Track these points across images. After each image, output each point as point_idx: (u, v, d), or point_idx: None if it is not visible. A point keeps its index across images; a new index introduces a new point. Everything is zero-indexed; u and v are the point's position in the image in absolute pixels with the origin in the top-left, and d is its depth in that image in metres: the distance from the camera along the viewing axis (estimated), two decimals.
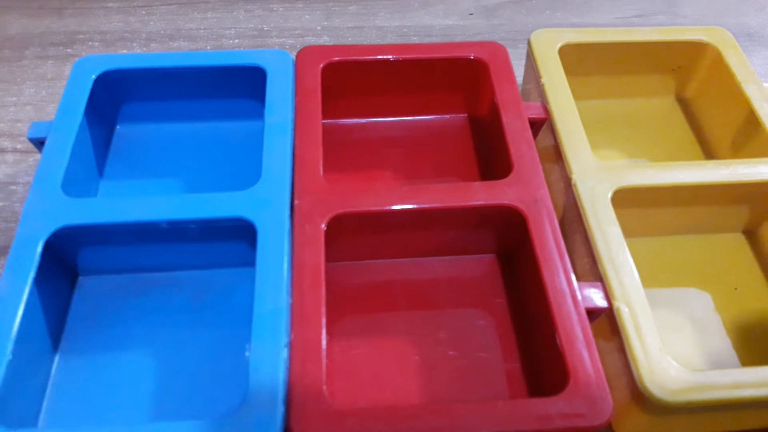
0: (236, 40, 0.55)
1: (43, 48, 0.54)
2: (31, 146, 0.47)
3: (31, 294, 0.32)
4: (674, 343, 0.37)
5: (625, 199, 0.37)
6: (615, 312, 0.33)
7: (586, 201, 0.37)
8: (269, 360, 0.30)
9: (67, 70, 0.53)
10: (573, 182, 0.38)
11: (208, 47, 0.55)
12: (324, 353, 0.30)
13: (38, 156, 0.47)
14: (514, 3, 0.60)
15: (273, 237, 0.34)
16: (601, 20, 0.58)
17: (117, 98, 0.44)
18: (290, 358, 0.30)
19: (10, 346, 0.30)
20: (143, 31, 0.56)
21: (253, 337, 0.30)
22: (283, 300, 0.32)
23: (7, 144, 0.48)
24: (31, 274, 0.32)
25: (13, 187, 0.45)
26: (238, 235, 0.36)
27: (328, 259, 0.34)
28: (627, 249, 0.35)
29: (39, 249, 0.33)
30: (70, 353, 0.35)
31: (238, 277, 0.38)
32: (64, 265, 0.37)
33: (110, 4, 0.58)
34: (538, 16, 0.59)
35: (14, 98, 0.51)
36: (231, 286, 0.38)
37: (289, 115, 0.39)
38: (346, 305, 0.37)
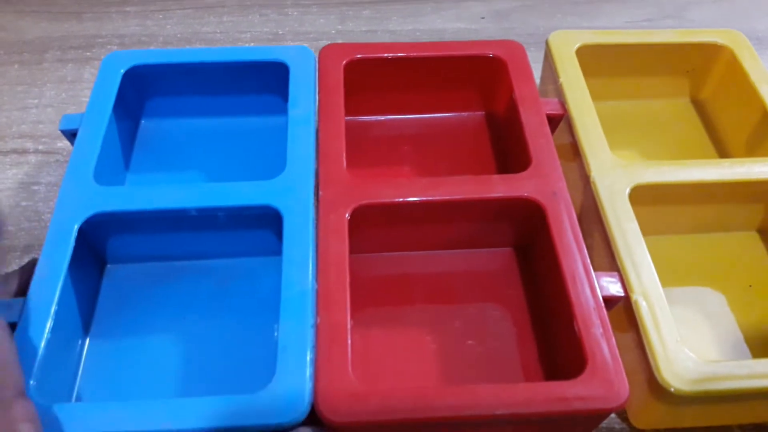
0: (252, 44, 0.56)
1: (62, 51, 0.55)
2: (53, 147, 0.48)
3: (65, 278, 0.32)
4: (689, 338, 0.38)
5: (643, 196, 0.38)
6: (633, 305, 0.33)
7: (604, 197, 0.37)
8: (297, 339, 0.30)
9: (87, 73, 0.54)
10: (592, 179, 0.38)
11: None
12: (349, 335, 0.31)
13: (60, 156, 0.48)
14: (526, 7, 0.61)
15: (298, 223, 0.34)
16: (611, 24, 0.59)
17: (143, 93, 0.44)
18: (317, 340, 0.31)
19: (49, 324, 0.31)
20: (160, 34, 0.57)
21: (281, 318, 0.31)
22: (309, 283, 0.32)
23: (29, 145, 0.48)
24: (67, 259, 0.33)
25: (36, 188, 0.46)
26: (264, 224, 0.36)
27: (351, 250, 0.34)
28: (644, 244, 0.35)
29: (74, 234, 0.34)
30: (100, 337, 0.36)
31: (263, 266, 0.38)
32: (94, 252, 0.38)
33: (128, 9, 0.59)
34: (548, 20, 0.59)
35: (35, 100, 0.51)
36: (257, 273, 0.38)
37: (312, 108, 0.40)
38: (367, 296, 0.38)
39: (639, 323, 0.33)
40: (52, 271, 0.32)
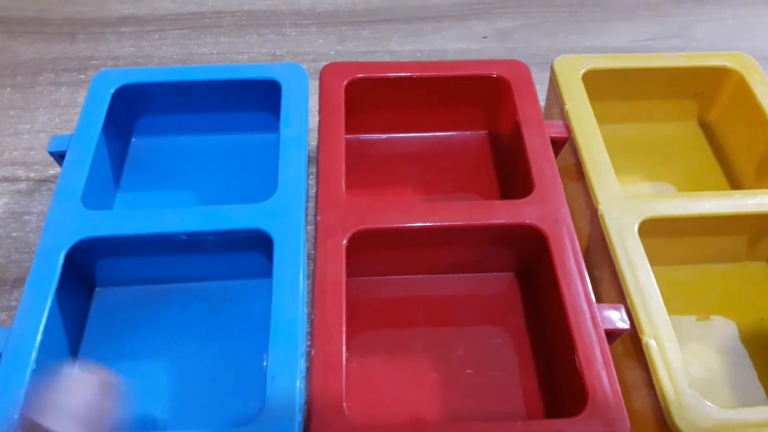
0: None
1: (56, 74, 0.54)
2: (45, 174, 0.47)
3: (52, 305, 0.32)
4: (700, 375, 0.37)
5: (652, 229, 0.37)
6: (644, 347, 0.32)
7: (613, 232, 0.36)
8: (287, 369, 0.30)
9: (81, 96, 0.53)
10: (600, 213, 0.37)
11: None
12: (344, 368, 0.30)
13: (52, 185, 0.47)
14: (528, 26, 0.60)
15: (289, 248, 0.34)
16: (616, 43, 0.58)
17: (134, 111, 0.44)
18: (311, 372, 0.30)
19: (34, 355, 0.30)
20: (155, 56, 0.56)
21: (270, 346, 0.30)
22: (300, 309, 0.32)
23: (21, 173, 0.47)
24: (53, 285, 0.32)
25: (27, 217, 0.45)
26: (254, 247, 0.36)
27: (349, 274, 0.34)
28: (655, 282, 0.34)
29: (60, 260, 0.33)
30: (88, 362, 0.34)
31: (254, 288, 0.38)
32: (82, 276, 0.37)
33: (123, 29, 0.58)
34: (552, 40, 0.59)
35: (28, 125, 0.50)
36: (248, 296, 0.38)
37: (304, 127, 0.39)
38: (366, 320, 0.37)
39: (650, 367, 0.32)
40: (38, 299, 0.32)
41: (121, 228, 0.34)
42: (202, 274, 0.38)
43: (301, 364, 0.30)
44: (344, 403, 0.29)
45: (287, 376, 0.29)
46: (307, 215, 0.44)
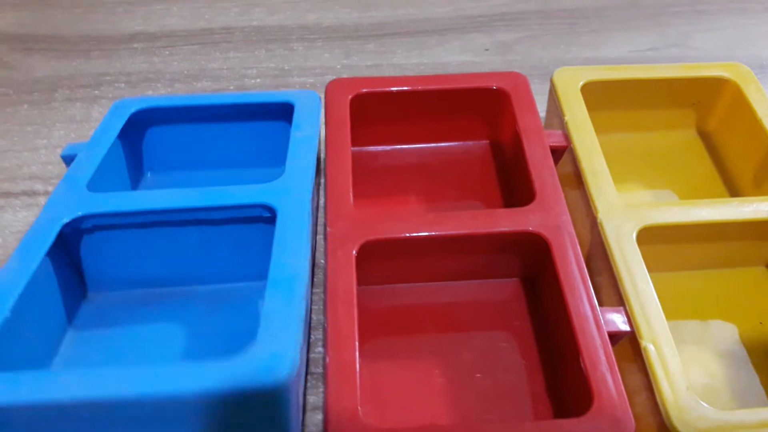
0: (258, 80, 0.57)
1: (71, 90, 0.56)
2: None
3: (34, 281, 0.31)
4: (700, 379, 0.37)
5: (650, 237, 0.38)
6: (642, 351, 0.33)
7: (612, 240, 0.37)
8: (285, 311, 0.30)
9: (95, 112, 0.54)
10: (599, 221, 0.38)
11: (231, 87, 0.56)
12: (358, 375, 0.31)
13: None
14: (529, 38, 0.61)
15: (294, 217, 0.34)
16: (615, 54, 0.60)
17: (149, 142, 0.44)
18: (327, 379, 0.31)
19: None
20: (167, 71, 0.58)
21: (267, 294, 0.30)
22: (303, 267, 0.32)
23: (39, 187, 0.48)
24: (40, 257, 0.32)
25: None
26: (257, 243, 0.36)
27: (359, 282, 0.35)
28: (653, 289, 0.35)
29: (53, 235, 0.33)
30: (70, 360, 0.35)
31: (256, 290, 0.38)
32: (76, 270, 0.37)
33: (135, 45, 0.60)
34: (552, 51, 0.60)
35: (44, 141, 0.52)
36: (248, 298, 0.38)
37: (316, 131, 0.40)
38: (375, 327, 0.38)
39: (649, 370, 0.32)
40: (22, 267, 0.31)
41: (121, 204, 0.34)
42: (200, 276, 0.37)
43: (303, 308, 0.30)
44: (359, 409, 0.30)
45: (285, 318, 0.29)
46: (317, 225, 0.46)
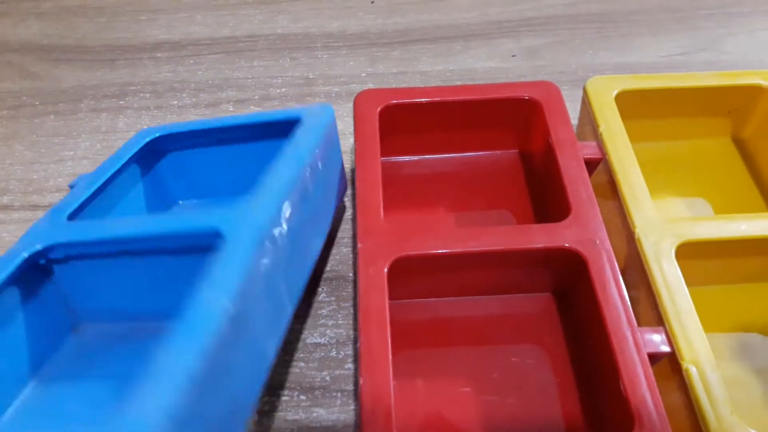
0: (283, 89, 0.56)
1: (96, 101, 0.56)
2: None
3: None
4: (741, 398, 0.37)
5: (689, 252, 0.37)
6: (684, 373, 0.32)
7: (650, 257, 0.36)
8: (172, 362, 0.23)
9: (120, 122, 0.54)
10: (636, 237, 0.37)
11: (256, 97, 0.56)
12: (392, 395, 0.31)
13: None
14: (557, 43, 0.60)
15: (241, 245, 0.29)
16: (645, 59, 0.58)
17: (164, 170, 0.44)
18: (360, 400, 0.30)
19: None
20: (192, 80, 0.57)
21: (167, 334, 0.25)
22: (223, 309, 0.25)
23: None
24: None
25: None
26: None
27: (389, 297, 0.34)
28: (693, 308, 0.34)
29: (18, 261, 0.32)
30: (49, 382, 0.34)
31: None
32: (64, 303, 0.36)
33: (159, 54, 0.60)
34: (580, 56, 0.59)
35: (71, 152, 0.52)
36: None
37: (310, 149, 0.36)
38: (405, 341, 0.38)
39: (690, 393, 0.32)
40: None
41: (91, 233, 0.33)
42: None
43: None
44: (393, 425, 0.30)
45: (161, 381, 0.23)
46: (343, 237, 0.45)
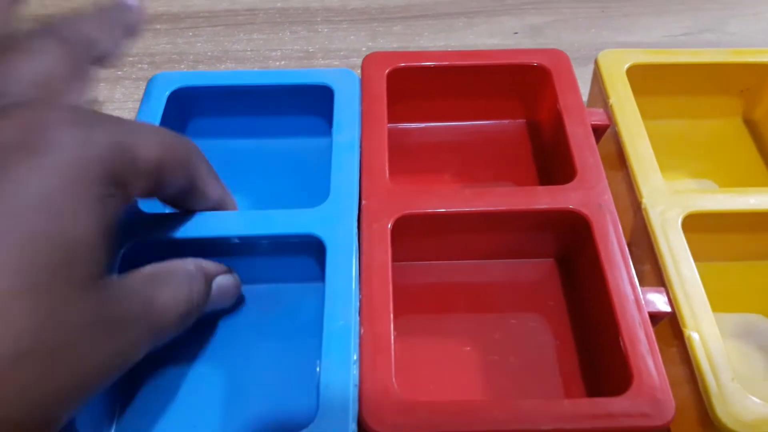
0: (282, 62, 0.56)
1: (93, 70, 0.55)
2: None
3: None
4: (743, 372, 0.36)
5: (696, 224, 0.37)
6: (686, 340, 0.32)
7: (656, 226, 0.36)
8: (339, 376, 0.29)
9: (117, 92, 0.53)
10: (643, 207, 0.37)
11: (256, 69, 0.55)
12: (392, 348, 0.30)
13: None
14: (559, 22, 0.60)
15: (341, 254, 0.33)
16: (648, 39, 0.58)
17: (187, 114, 0.44)
18: (361, 351, 0.30)
19: None
20: (190, 52, 0.57)
21: (323, 353, 0.30)
22: (352, 317, 0.31)
23: None
24: None
25: None
26: (306, 251, 0.35)
27: (392, 258, 0.34)
28: (698, 276, 0.34)
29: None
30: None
31: (303, 292, 0.37)
32: None
33: (158, 26, 0.59)
34: (583, 35, 0.58)
35: None
36: (297, 300, 0.37)
37: (356, 133, 0.39)
38: (408, 303, 0.37)
39: (692, 360, 0.32)
40: None
41: (174, 232, 0.33)
42: (252, 278, 0.36)
43: (354, 371, 0.29)
44: (393, 381, 0.29)
45: (340, 384, 0.29)
46: None
